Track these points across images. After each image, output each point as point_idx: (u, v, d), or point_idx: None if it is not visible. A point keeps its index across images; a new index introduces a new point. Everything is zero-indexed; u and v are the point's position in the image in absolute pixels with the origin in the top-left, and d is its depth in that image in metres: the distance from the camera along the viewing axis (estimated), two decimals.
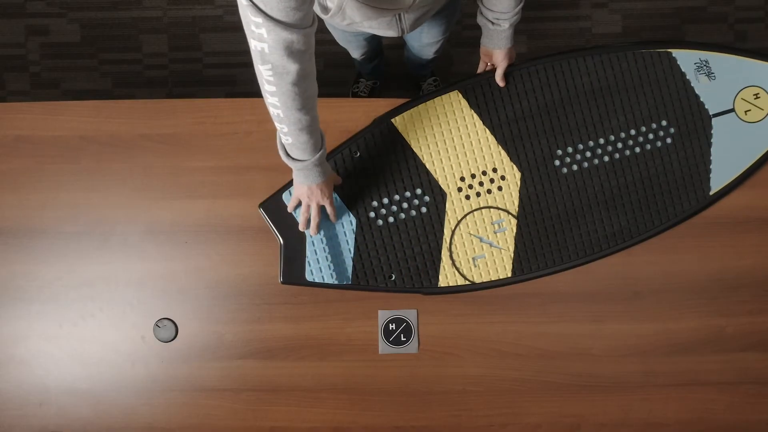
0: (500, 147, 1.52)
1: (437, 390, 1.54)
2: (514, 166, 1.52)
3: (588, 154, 1.52)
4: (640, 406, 1.54)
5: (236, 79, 2.40)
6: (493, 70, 1.50)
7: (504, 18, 1.39)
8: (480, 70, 1.54)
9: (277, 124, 1.24)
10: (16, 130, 1.55)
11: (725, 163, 1.53)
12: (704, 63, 1.53)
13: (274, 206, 1.51)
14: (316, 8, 1.30)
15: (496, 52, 1.46)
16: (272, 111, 1.21)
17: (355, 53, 1.89)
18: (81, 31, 2.40)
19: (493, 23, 1.41)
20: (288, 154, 1.31)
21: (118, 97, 2.40)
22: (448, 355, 1.54)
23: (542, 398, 1.54)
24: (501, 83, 1.50)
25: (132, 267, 1.54)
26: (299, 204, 1.44)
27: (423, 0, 1.37)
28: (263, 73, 1.15)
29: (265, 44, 1.09)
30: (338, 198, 1.50)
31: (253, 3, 1.03)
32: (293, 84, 1.15)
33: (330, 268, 1.50)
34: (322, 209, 1.43)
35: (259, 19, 1.05)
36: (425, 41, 1.78)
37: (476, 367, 1.54)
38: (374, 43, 1.84)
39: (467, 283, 1.51)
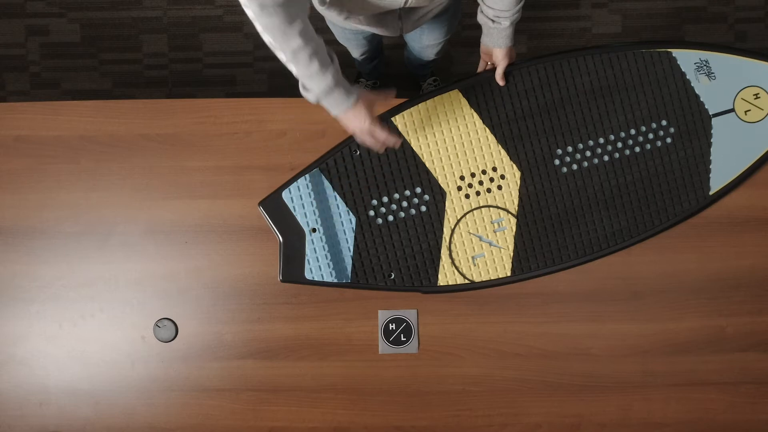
0: (500, 146, 1.52)
1: (437, 390, 1.54)
2: (514, 165, 1.52)
3: (588, 153, 1.52)
4: (640, 406, 1.54)
5: (236, 79, 2.40)
6: (493, 69, 1.50)
7: (504, 16, 1.39)
8: (480, 69, 1.54)
9: (279, 56, 1.22)
10: (16, 130, 1.55)
11: (725, 163, 1.53)
12: (704, 63, 1.53)
13: (274, 204, 1.51)
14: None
15: (496, 51, 1.46)
16: (266, 39, 1.19)
17: (355, 52, 1.89)
18: (81, 31, 2.41)
19: (493, 21, 1.41)
20: (306, 88, 1.28)
21: (118, 97, 2.40)
22: (448, 355, 1.54)
23: (542, 398, 1.54)
24: (501, 82, 1.49)
25: (132, 267, 1.54)
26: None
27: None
28: (250, 5, 1.14)
29: None
30: (338, 196, 1.51)
31: None
32: (281, 11, 1.13)
33: (329, 267, 1.50)
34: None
35: None
36: (425, 43, 1.78)
37: (476, 367, 1.54)
38: (374, 43, 1.84)
39: (466, 282, 1.51)
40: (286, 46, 1.19)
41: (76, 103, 1.56)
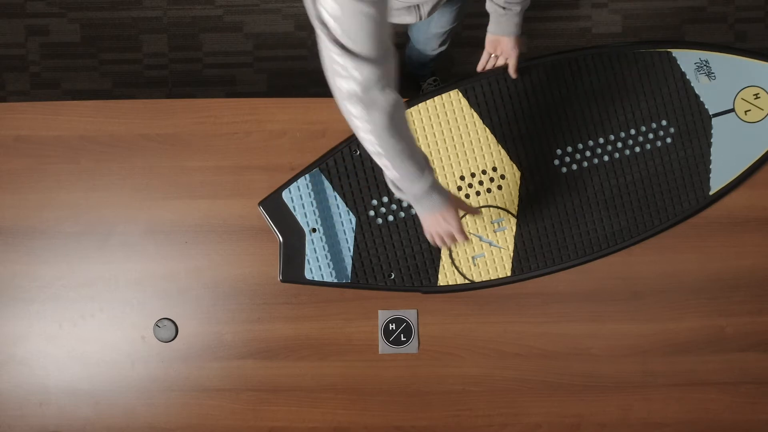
0: (500, 146, 1.52)
1: (437, 390, 1.54)
2: (514, 165, 1.52)
3: (588, 153, 1.52)
4: (640, 406, 1.54)
5: (236, 79, 2.40)
6: (497, 68, 1.49)
7: (515, 1, 1.38)
8: (481, 64, 1.53)
9: (377, 160, 1.18)
10: (16, 130, 1.55)
11: (725, 163, 1.53)
12: (704, 63, 1.53)
13: (274, 204, 1.51)
14: None
15: (504, 40, 1.45)
16: (370, 149, 1.15)
17: None
18: (81, 31, 2.40)
19: (504, 8, 1.39)
20: (400, 189, 1.24)
21: (118, 97, 2.40)
22: (448, 355, 1.54)
23: (542, 398, 1.54)
24: (514, 75, 1.48)
25: (132, 267, 1.54)
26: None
27: None
28: (353, 112, 1.09)
29: (357, 84, 1.03)
30: (338, 196, 1.50)
31: (343, 46, 0.98)
32: (388, 116, 1.10)
33: (329, 267, 1.50)
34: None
35: (349, 61, 1.00)
36: (433, 31, 1.76)
37: (476, 367, 1.54)
38: None
39: (466, 282, 1.51)
40: (388, 147, 1.14)
41: (76, 103, 1.56)
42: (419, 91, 2.38)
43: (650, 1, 2.41)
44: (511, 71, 1.48)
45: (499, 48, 1.48)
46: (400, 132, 1.14)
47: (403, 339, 1.53)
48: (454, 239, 1.34)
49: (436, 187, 1.26)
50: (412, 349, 1.53)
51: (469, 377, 1.54)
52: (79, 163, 1.55)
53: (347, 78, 1.03)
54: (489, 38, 1.48)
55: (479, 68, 1.54)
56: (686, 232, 1.54)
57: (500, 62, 1.50)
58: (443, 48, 1.93)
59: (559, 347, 1.54)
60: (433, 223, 1.31)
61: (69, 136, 1.55)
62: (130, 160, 1.55)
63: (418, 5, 1.41)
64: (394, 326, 1.53)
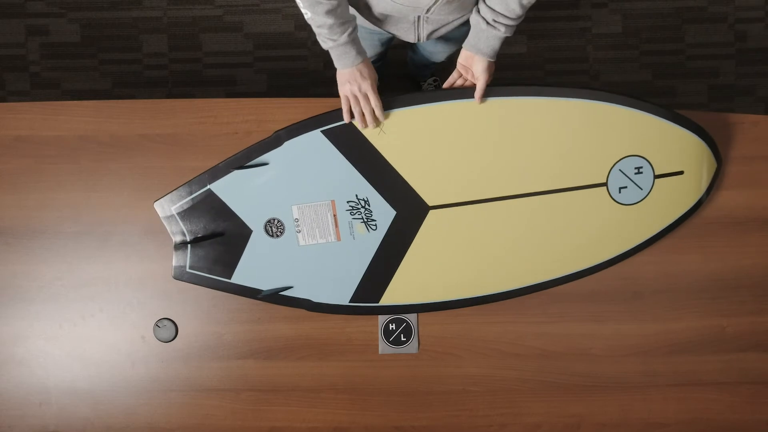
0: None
1: (437, 390, 1.54)
2: None
3: None
4: (640, 406, 1.54)
5: (236, 79, 2.40)
6: (465, 87, 1.42)
7: (503, 22, 1.31)
8: (451, 80, 1.44)
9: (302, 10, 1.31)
10: (16, 130, 1.55)
11: None
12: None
13: None
14: None
15: (477, 61, 1.37)
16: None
17: (368, 52, 1.84)
18: (81, 31, 2.40)
19: (488, 24, 1.32)
20: (324, 39, 1.35)
21: (118, 97, 2.40)
22: (448, 355, 1.54)
23: (542, 398, 1.54)
24: (479, 100, 1.40)
25: (132, 267, 1.54)
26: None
27: (442, 8, 1.31)
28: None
29: None
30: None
31: None
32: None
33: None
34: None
35: None
36: (440, 49, 1.76)
37: (476, 367, 1.54)
38: (386, 47, 1.78)
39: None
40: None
41: (76, 103, 1.56)
42: (419, 91, 2.38)
43: (650, 1, 2.41)
44: (477, 96, 1.40)
45: (468, 69, 1.40)
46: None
47: (403, 339, 1.53)
48: (368, 107, 1.40)
49: (355, 44, 1.35)
50: (412, 349, 1.53)
51: (469, 377, 1.54)
52: (79, 163, 1.55)
53: None
54: (463, 54, 1.39)
55: (446, 85, 1.44)
56: (686, 232, 1.54)
57: (468, 83, 1.42)
58: (442, 62, 1.93)
59: (559, 347, 1.54)
60: (349, 76, 1.38)
61: (69, 136, 1.55)
62: (130, 160, 1.55)
63: (417, 22, 1.39)
64: (394, 326, 1.53)
